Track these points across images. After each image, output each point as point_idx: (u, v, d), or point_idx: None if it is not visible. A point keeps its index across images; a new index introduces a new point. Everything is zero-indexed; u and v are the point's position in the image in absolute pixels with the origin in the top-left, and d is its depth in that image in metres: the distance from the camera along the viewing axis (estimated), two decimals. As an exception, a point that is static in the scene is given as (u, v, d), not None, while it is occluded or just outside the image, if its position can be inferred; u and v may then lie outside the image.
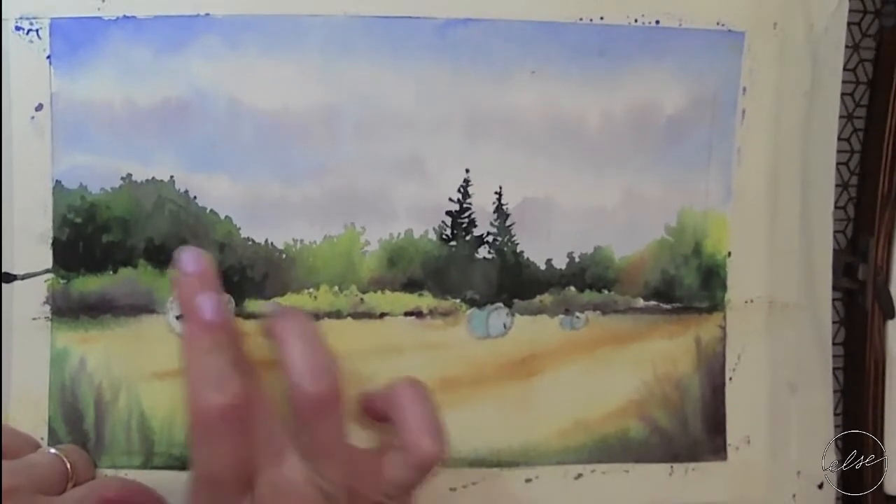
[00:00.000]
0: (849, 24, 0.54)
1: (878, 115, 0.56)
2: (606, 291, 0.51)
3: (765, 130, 0.52)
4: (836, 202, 0.55)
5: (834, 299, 0.56)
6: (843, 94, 0.55)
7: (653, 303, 0.52)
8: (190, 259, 0.45)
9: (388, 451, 0.45)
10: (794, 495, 0.54)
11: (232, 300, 0.49)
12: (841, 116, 0.55)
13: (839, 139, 0.55)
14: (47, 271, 0.48)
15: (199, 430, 0.42)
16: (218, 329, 0.44)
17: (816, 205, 0.54)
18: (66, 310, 0.48)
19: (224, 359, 0.43)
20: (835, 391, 0.56)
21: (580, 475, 0.52)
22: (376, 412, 0.48)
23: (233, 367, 0.43)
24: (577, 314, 0.51)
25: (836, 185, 0.55)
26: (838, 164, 0.55)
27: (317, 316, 0.49)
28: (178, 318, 0.48)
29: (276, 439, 0.43)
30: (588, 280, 0.51)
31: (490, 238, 0.50)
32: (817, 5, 0.52)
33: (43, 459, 0.45)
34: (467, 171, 0.50)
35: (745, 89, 0.52)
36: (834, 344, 0.56)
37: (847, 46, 0.55)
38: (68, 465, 0.44)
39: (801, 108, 0.52)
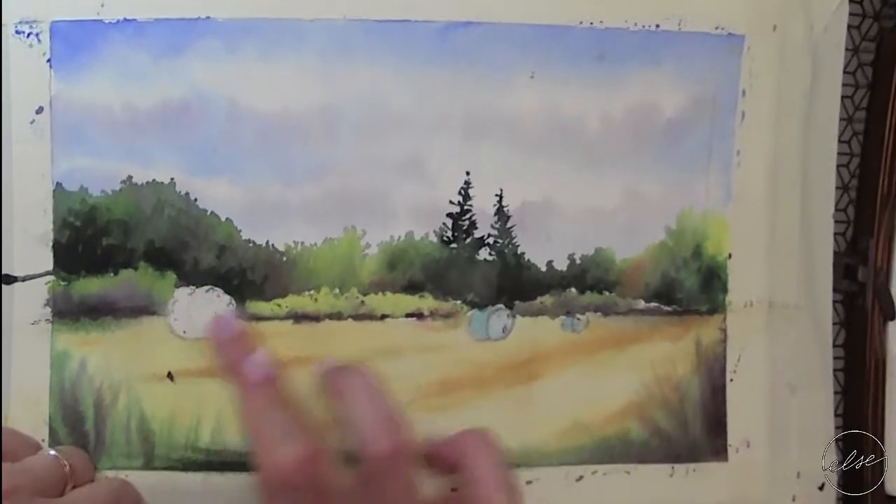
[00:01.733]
0: (848, 27, 0.54)
1: (877, 117, 0.56)
2: (607, 293, 0.52)
3: (765, 132, 0.52)
4: (836, 204, 0.55)
5: (834, 301, 0.56)
6: (842, 97, 0.55)
7: (653, 305, 0.52)
8: (224, 325, 0.46)
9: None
10: (794, 496, 0.54)
11: (233, 302, 0.49)
12: (841, 119, 0.55)
13: (839, 142, 0.55)
14: (48, 273, 0.48)
15: (274, 487, 0.42)
16: (272, 384, 0.44)
17: (816, 206, 0.54)
18: (67, 312, 0.48)
19: (286, 413, 0.43)
20: (835, 392, 0.56)
21: (581, 477, 0.52)
22: (442, 461, 0.47)
23: (297, 421, 0.43)
24: (578, 316, 0.51)
25: (837, 188, 0.55)
26: (838, 166, 0.55)
27: (317, 318, 0.49)
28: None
29: (347, 494, 0.43)
30: (589, 282, 0.51)
31: (490, 240, 0.51)
32: (817, 7, 0.52)
33: (42, 461, 0.45)
34: (468, 173, 0.50)
35: (744, 91, 0.52)
36: (834, 345, 0.56)
37: (847, 49, 0.55)
38: (67, 467, 0.44)
39: (801, 110, 0.52)
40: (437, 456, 0.47)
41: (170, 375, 0.49)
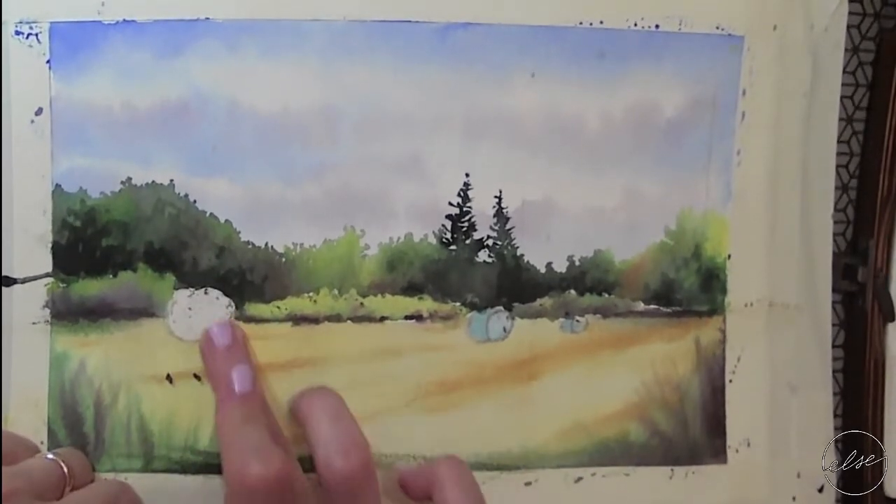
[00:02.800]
0: (848, 26, 0.54)
1: (877, 117, 0.56)
2: (606, 295, 0.51)
3: (764, 132, 0.52)
4: (835, 204, 0.55)
5: (834, 301, 0.56)
6: (842, 97, 0.55)
7: (653, 306, 0.52)
8: (220, 333, 0.46)
9: None
10: (794, 497, 0.54)
11: (232, 304, 0.49)
12: (840, 119, 0.55)
13: (839, 142, 0.55)
14: (47, 275, 0.48)
15: (241, 501, 0.42)
16: (253, 400, 0.44)
17: (816, 206, 0.54)
18: (66, 313, 0.48)
19: (263, 429, 0.43)
20: (835, 393, 0.56)
21: (580, 479, 0.52)
22: (416, 489, 0.48)
23: (272, 438, 0.43)
24: (577, 317, 0.51)
25: (836, 188, 0.55)
26: (838, 166, 0.55)
27: (316, 319, 0.49)
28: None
29: None
30: (588, 283, 0.51)
31: (490, 241, 0.50)
32: (817, 6, 0.52)
33: (41, 464, 0.45)
34: (467, 174, 0.50)
35: (744, 91, 0.52)
36: (834, 346, 0.56)
37: (847, 49, 0.55)
38: (66, 470, 0.44)
39: (801, 110, 0.52)
40: (411, 483, 0.47)
41: (169, 378, 0.49)
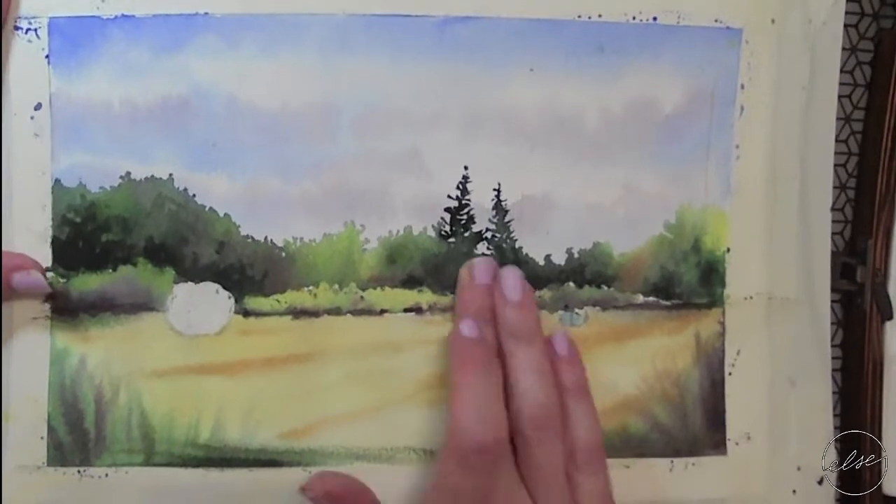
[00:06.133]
0: (846, 26, 0.54)
1: (875, 116, 0.57)
2: (606, 287, 0.51)
3: (763, 125, 0.52)
4: (833, 204, 0.55)
5: (832, 301, 0.56)
6: (840, 97, 0.55)
7: (652, 299, 0.52)
8: (483, 270, 0.49)
9: None
10: (794, 490, 0.53)
11: (232, 298, 0.49)
12: (839, 118, 0.55)
13: (837, 141, 0.55)
14: (47, 270, 0.48)
15: (458, 459, 0.44)
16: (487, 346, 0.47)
17: (815, 199, 0.54)
18: (66, 309, 0.48)
19: (493, 388, 0.45)
20: (833, 393, 0.56)
21: (580, 471, 0.52)
22: None
23: (497, 398, 0.45)
24: (577, 310, 0.51)
25: (834, 187, 0.56)
26: (836, 165, 0.55)
27: (316, 313, 0.49)
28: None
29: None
30: (587, 276, 0.51)
31: (489, 234, 0.51)
32: (815, 0, 0.52)
33: None
34: (466, 167, 0.50)
35: (743, 85, 0.52)
36: (832, 345, 0.56)
37: (845, 48, 0.55)
38: None
39: (800, 103, 0.53)
40: None
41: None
